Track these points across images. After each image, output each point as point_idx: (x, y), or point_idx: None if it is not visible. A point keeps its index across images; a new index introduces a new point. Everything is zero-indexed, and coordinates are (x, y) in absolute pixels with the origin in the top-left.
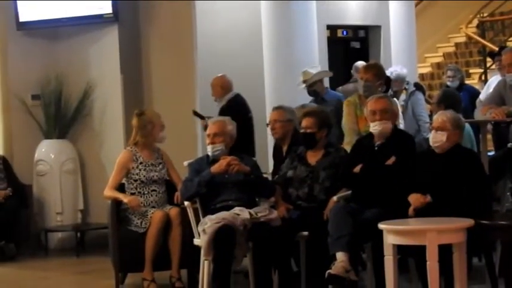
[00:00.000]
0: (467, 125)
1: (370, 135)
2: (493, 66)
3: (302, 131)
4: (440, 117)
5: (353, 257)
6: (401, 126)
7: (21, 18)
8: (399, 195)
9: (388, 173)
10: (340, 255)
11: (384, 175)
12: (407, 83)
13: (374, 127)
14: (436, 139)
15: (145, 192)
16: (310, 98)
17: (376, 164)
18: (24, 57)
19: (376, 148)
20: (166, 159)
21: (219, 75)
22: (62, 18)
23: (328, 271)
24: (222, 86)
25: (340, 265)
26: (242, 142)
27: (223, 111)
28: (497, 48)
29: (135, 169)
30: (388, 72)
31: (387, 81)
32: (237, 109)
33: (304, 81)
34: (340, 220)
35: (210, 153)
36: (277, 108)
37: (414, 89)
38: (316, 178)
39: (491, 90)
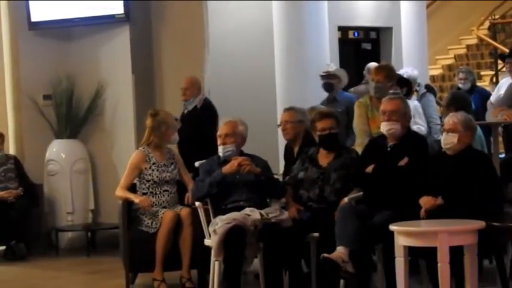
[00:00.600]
0: (478, 128)
1: (383, 136)
2: (504, 69)
3: (326, 132)
4: (451, 119)
5: (357, 255)
6: (423, 128)
7: (33, 18)
8: (411, 197)
9: (400, 174)
10: (340, 248)
11: (396, 176)
12: (419, 85)
13: (382, 127)
14: (448, 141)
15: (158, 192)
16: (321, 99)
17: (389, 164)
18: (36, 57)
19: (388, 149)
20: (177, 160)
21: (192, 76)
22: (74, 19)
23: (323, 254)
24: (198, 86)
25: (337, 254)
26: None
27: (197, 112)
28: (507, 50)
29: (148, 170)
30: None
31: (408, 83)
32: (212, 110)
33: (325, 72)
34: (346, 220)
35: (221, 154)
36: (289, 110)
37: (425, 90)
38: (327, 179)
39: (501, 92)
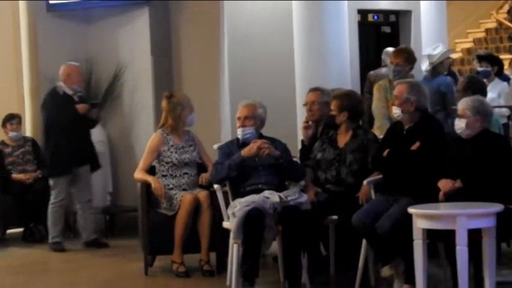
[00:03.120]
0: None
1: None
2: None
3: (330, 113)
4: (461, 104)
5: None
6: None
7: (52, 0)
8: (428, 182)
9: (412, 158)
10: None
11: (409, 160)
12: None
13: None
14: (457, 126)
15: (178, 174)
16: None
17: (402, 148)
18: (54, 40)
19: (404, 132)
20: (197, 142)
21: (75, 63)
22: (93, 0)
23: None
24: (83, 74)
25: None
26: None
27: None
28: None
29: (167, 152)
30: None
31: (498, 62)
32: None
33: (431, 63)
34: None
35: (240, 137)
36: (315, 90)
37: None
38: (343, 161)
39: None
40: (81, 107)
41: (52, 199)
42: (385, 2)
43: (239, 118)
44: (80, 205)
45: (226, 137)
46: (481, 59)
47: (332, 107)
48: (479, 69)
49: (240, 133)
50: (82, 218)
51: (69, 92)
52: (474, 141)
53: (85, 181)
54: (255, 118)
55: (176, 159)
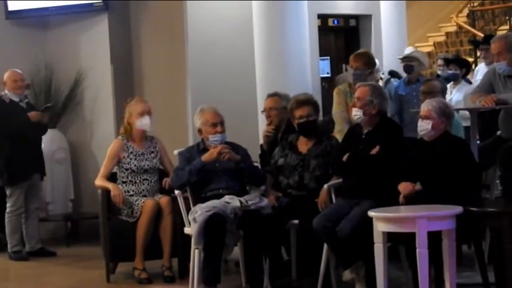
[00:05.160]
0: (456, 114)
1: (361, 124)
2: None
3: (303, 120)
4: (426, 105)
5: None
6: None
7: (10, 7)
8: (388, 186)
9: (372, 163)
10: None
11: (369, 165)
12: (382, 73)
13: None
14: (422, 127)
15: (137, 181)
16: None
17: (362, 153)
18: (14, 47)
19: (363, 136)
20: (160, 148)
21: (17, 70)
22: (52, 7)
23: None
24: (24, 80)
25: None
26: None
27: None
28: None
29: (126, 158)
30: None
31: (466, 64)
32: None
33: (406, 56)
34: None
35: (213, 142)
36: (273, 95)
37: (389, 76)
38: (307, 166)
39: (478, 77)
40: (33, 115)
41: (8, 208)
42: (346, 6)
43: (215, 124)
44: (27, 214)
45: (190, 142)
46: (449, 62)
47: (309, 112)
48: (448, 71)
49: (215, 138)
50: (28, 227)
51: (16, 99)
52: (435, 143)
53: (35, 189)
54: (224, 124)
55: (135, 165)
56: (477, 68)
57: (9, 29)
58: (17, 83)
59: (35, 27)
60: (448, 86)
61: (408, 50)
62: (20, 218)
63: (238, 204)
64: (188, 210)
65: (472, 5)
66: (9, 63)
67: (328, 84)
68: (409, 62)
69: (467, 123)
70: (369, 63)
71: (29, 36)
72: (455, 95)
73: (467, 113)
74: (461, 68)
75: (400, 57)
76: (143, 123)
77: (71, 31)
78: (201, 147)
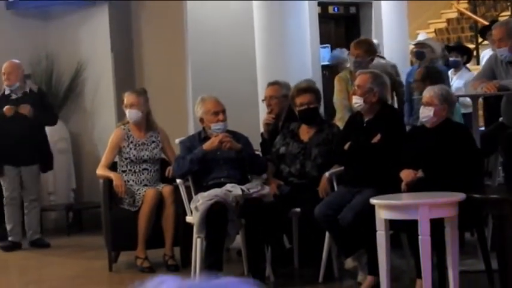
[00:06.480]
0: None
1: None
2: (485, 42)
3: (304, 107)
4: (428, 92)
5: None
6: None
7: None
8: (390, 173)
9: (374, 151)
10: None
11: (370, 153)
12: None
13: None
14: (424, 114)
15: (137, 170)
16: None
17: (363, 141)
18: (15, 37)
19: (364, 124)
20: (163, 138)
21: (12, 60)
22: None
23: None
24: (22, 70)
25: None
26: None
27: (33, 97)
28: (488, 24)
29: (126, 148)
30: None
31: (468, 51)
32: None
33: (419, 42)
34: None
35: (215, 131)
36: (273, 84)
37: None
38: (308, 155)
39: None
40: (7, 109)
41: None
42: None
43: (217, 112)
44: (25, 204)
45: (191, 131)
46: (450, 49)
47: (310, 100)
48: (450, 59)
49: (218, 127)
50: (26, 218)
51: (7, 92)
52: (437, 130)
53: (29, 181)
54: (225, 112)
55: (134, 155)
56: (483, 54)
57: (10, 20)
58: (10, 74)
59: (35, 18)
60: (449, 72)
61: (422, 36)
62: (12, 208)
63: (239, 192)
64: (190, 199)
65: None
66: (10, 54)
67: (328, 72)
68: (421, 48)
69: (466, 110)
70: (369, 50)
71: (30, 27)
72: (455, 82)
73: (467, 100)
74: (462, 55)
75: (413, 42)
76: (134, 114)
77: (71, 22)
78: (202, 136)
